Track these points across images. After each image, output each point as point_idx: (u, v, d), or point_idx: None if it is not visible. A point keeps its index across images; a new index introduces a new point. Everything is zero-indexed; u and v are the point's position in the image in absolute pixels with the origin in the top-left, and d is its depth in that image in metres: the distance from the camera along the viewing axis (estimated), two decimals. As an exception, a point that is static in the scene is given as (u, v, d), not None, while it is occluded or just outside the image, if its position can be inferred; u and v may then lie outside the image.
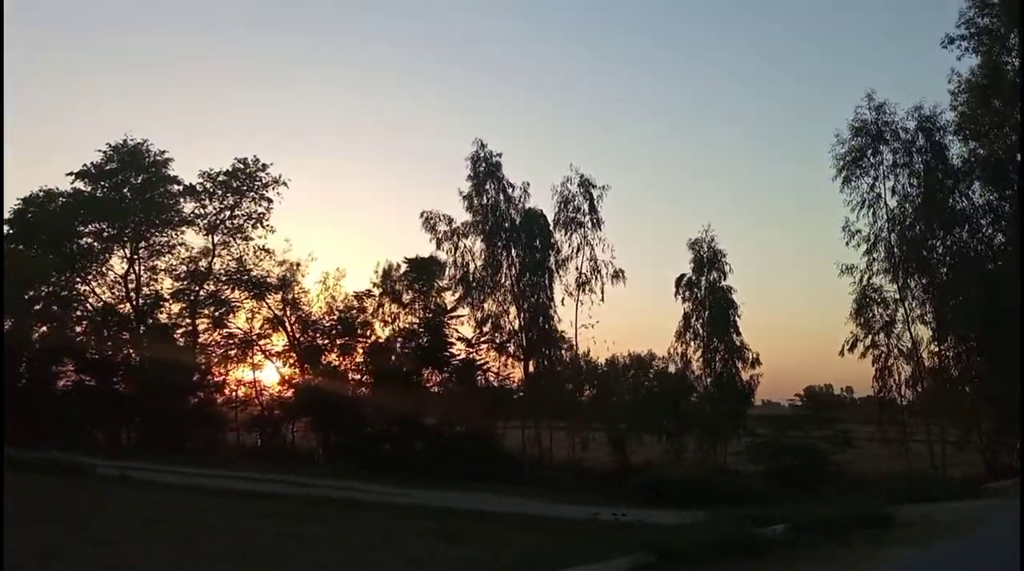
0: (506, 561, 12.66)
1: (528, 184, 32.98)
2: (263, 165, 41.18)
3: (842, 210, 29.30)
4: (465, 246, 32.64)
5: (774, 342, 76.05)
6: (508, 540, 16.42)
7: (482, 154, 32.67)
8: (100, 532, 12.39)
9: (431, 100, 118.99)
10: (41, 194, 42.80)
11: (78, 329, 41.79)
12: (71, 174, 43.01)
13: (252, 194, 42.13)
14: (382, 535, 15.62)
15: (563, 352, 32.52)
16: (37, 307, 40.89)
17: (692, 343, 31.42)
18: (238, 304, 38.95)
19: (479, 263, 33.41)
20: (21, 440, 31.94)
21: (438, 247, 33.11)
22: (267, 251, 40.63)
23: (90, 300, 42.60)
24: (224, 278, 39.63)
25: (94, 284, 43.05)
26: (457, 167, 33.29)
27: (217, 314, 38.78)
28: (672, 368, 31.84)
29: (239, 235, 41.81)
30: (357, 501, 21.39)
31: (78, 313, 42.33)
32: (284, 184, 40.96)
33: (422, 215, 32.93)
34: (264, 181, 41.78)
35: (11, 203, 42.26)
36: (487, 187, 32.49)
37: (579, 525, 19.38)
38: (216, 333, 40.02)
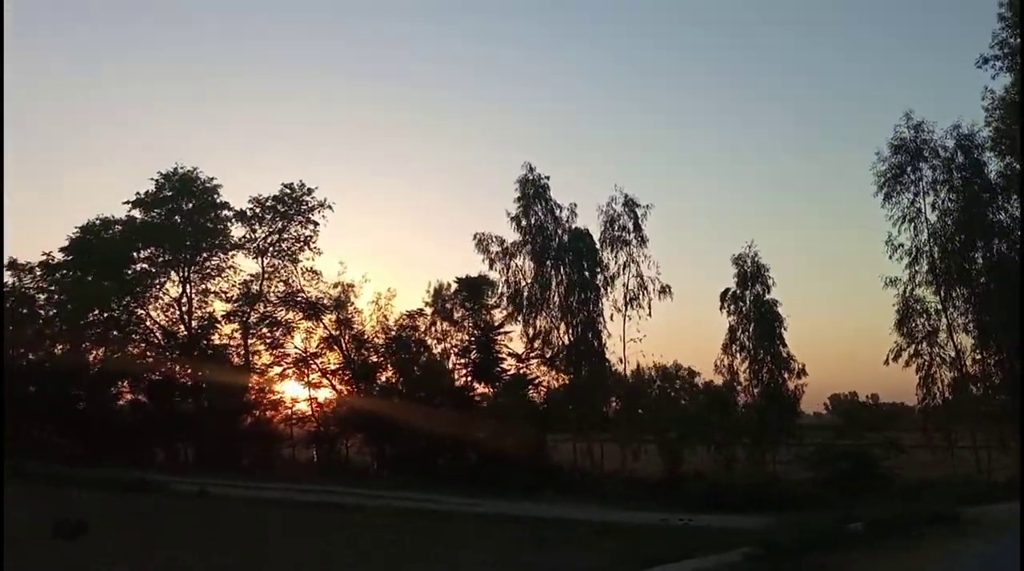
0: (627, 557, 13.96)
1: (575, 205, 34.37)
2: (308, 189, 42.62)
3: (877, 225, 30.47)
4: (516, 265, 33.92)
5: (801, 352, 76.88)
6: (596, 543, 17.62)
7: (531, 177, 34.10)
8: (292, 550, 13.75)
9: (479, 123, 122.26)
10: (98, 222, 44.55)
11: (135, 351, 43.36)
12: (127, 202, 44.85)
13: (299, 218, 43.70)
14: (482, 541, 16.86)
15: (611, 365, 33.62)
16: (97, 331, 42.57)
17: (738, 355, 32.50)
18: (294, 324, 40.26)
19: (528, 281, 34.74)
20: (82, 459, 33.53)
21: (491, 267, 34.48)
22: (315, 273, 42.10)
23: (146, 322, 44.18)
24: (278, 300, 41.00)
25: (149, 308, 44.64)
26: (502, 188, 34.92)
27: (275, 334, 40.12)
28: (720, 379, 32.89)
29: (287, 257, 43.36)
30: (437, 511, 22.56)
31: (135, 336, 43.90)
32: (329, 207, 42.32)
33: (475, 237, 34.36)
34: (310, 205, 43.25)
35: (69, 231, 44.07)
36: (536, 208, 33.82)
37: (653, 529, 20.54)
38: (271, 353, 41.40)
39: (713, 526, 20.46)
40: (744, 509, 24.58)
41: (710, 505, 25.88)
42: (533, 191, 33.81)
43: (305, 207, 43.40)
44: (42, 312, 44.50)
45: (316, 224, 42.78)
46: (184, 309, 43.79)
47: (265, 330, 41.27)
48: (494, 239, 34.16)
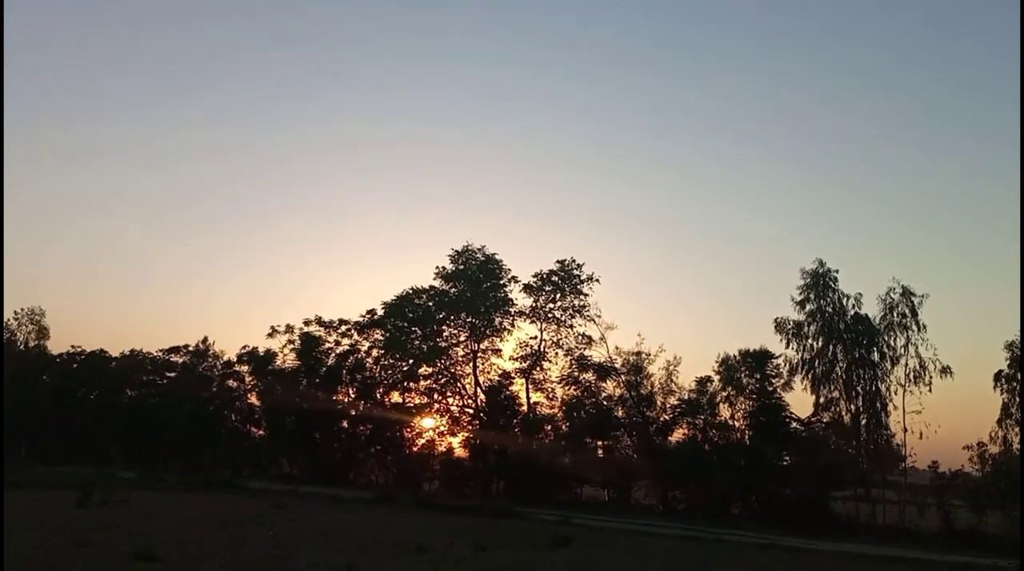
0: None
1: (861, 294, 40.96)
2: (578, 265, 51.43)
3: None
4: (808, 344, 40.66)
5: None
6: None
7: (821, 271, 41.05)
8: None
9: (760, 217, 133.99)
10: (411, 290, 55.48)
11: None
12: (436, 273, 55.41)
13: (569, 289, 52.52)
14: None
15: (893, 435, 39.37)
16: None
17: (1011, 429, 37.46)
18: (591, 385, 48.34)
19: (811, 356, 41.33)
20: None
21: (787, 346, 41.30)
22: (589, 338, 50.44)
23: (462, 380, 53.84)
24: (574, 362, 49.29)
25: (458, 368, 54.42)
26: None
27: (570, 392, 48.39)
28: (995, 449, 37.83)
29: (564, 325, 52.02)
30: (793, 547, 28.98)
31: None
32: (596, 281, 50.70)
33: (776, 321, 41.50)
34: (581, 277, 52.10)
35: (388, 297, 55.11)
36: (823, 295, 40.63)
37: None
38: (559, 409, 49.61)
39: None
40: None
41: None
42: (822, 282, 40.68)
43: (576, 280, 52.37)
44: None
45: (586, 295, 51.54)
46: (475, 367, 53.49)
47: (561, 387, 49.71)
48: (791, 323, 41.12)
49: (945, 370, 38.02)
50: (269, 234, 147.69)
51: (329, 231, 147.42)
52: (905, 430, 38.59)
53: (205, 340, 67.75)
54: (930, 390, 38.24)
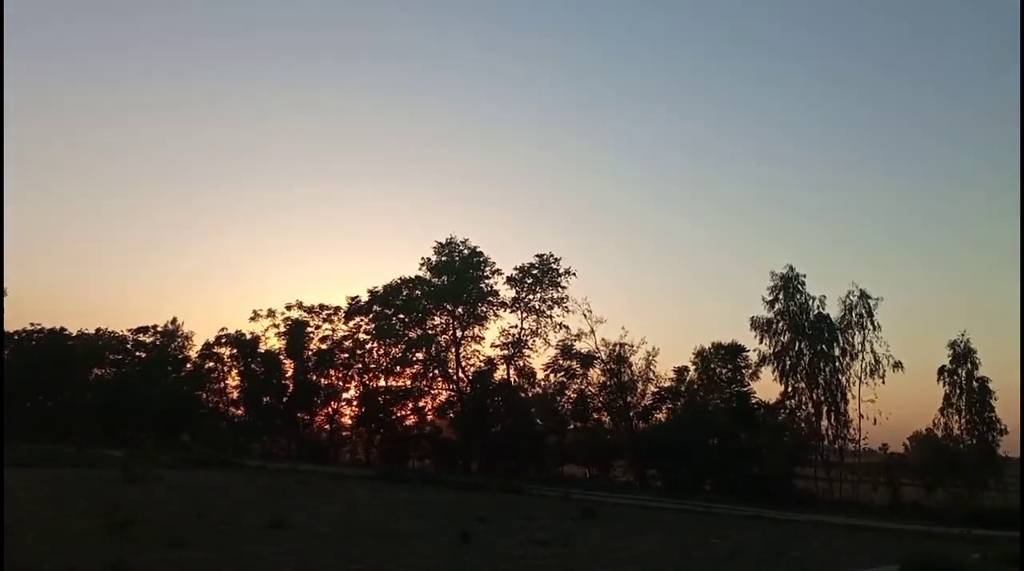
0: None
1: (824, 297, 45.80)
2: (556, 259, 54.97)
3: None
4: (777, 340, 45.27)
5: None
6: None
7: (790, 275, 45.71)
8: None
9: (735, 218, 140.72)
10: (400, 281, 57.98)
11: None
12: (421, 264, 58.01)
13: (548, 282, 56.01)
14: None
15: (849, 419, 44.39)
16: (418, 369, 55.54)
17: (951, 417, 42.93)
18: (576, 371, 51.96)
19: (779, 350, 45.99)
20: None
21: (760, 341, 45.86)
22: (566, 328, 54.07)
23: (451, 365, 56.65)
24: (562, 350, 52.71)
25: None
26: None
27: (558, 379, 51.97)
28: (939, 434, 43.31)
29: (543, 315, 55.50)
30: (774, 518, 33.28)
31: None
32: (572, 274, 54.31)
33: (751, 319, 46.05)
34: (559, 271, 55.65)
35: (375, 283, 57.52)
36: (794, 298, 45.29)
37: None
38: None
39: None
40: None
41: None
42: (792, 286, 45.35)
43: (554, 273, 55.88)
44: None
45: (564, 287, 55.12)
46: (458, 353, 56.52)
47: (550, 374, 53.16)
48: (764, 321, 45.65)
49: (897, 365, 43.24)
50: (226, 216, 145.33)
51: (289, 215, 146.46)
52: (861, 416, 43.73)
53: (174, 320, 68.36)
54: (883, 382, 43.38)
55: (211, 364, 62.91)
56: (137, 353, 67.04)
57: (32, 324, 67.89)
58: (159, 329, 67.74)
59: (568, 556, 15.87)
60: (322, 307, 61.50)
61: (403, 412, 55.07)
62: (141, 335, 67.55)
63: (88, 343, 67.63)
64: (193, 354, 65.34)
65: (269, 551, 13.70)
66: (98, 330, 68.48)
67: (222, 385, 62.84)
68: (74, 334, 68.19)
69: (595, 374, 51.03)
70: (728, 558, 17.34)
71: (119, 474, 28.24)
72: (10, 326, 68.46)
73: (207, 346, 63.04)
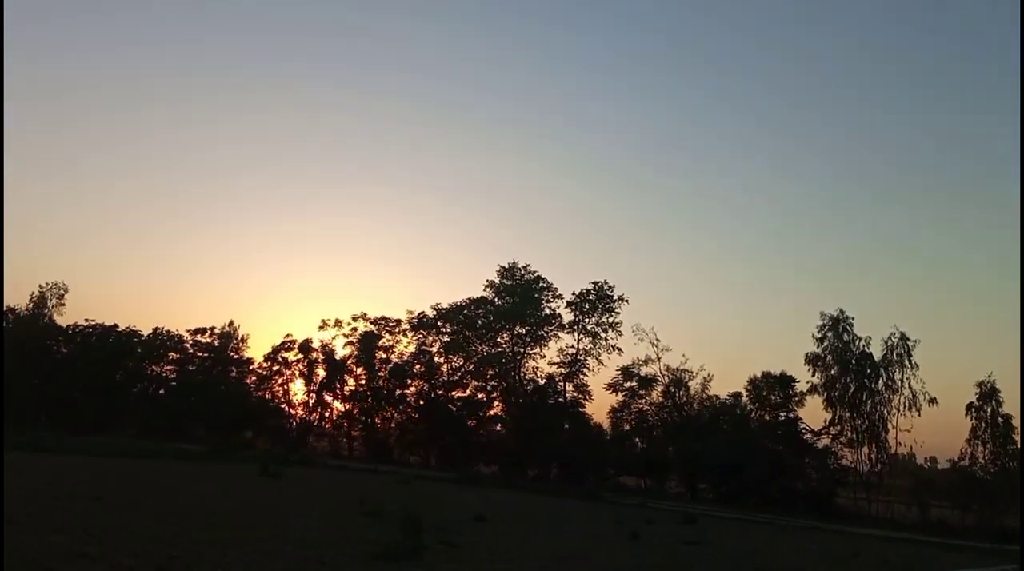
0: None
1: (870, 338, 51.72)
2: (611, 286, 60.54)
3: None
4: (827, 373, 51.11)
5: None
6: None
7: (840, 317, 51.64)
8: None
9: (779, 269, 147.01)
10: (469, 301, 62.89)
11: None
12: (485, 285, 63.12)
13: (602, 308, 61.53)
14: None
15: (889, 447, 50.24)
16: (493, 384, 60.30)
17: (977, 448, 48.98)
18: (637, 392, 57.12)
19: (823, 382, 51.83)
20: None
21: (813, 374, 51.59)
22: (619, 350, 59.49)
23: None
24: (620, 371, 57.91)
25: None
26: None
27: (623, 397, 57.14)
28: (965, 463, 49.31)
29: (599, 338, 60.85)
30: (831, 530, 38.55)
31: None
32: (625, 301, 59.91)
33: (806, 355, 51.69)
34: (613, 297, 61.22)
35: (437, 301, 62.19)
36: (841, 337, 51.20)
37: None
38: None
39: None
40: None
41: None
42: (840, 326, 51.30)
43: (608, 299, 61.42)
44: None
45: (617, 312, 60.66)
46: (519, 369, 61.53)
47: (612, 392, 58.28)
48: (814, 355, 51.49)
49: (932, 400, 49.33)
50: (276, 231, 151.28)
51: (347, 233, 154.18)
52: (898, 443, 49.70)
53: (231, 323, 71.80)
54: (919, 415, 49.38)
55: (278, 367, 66.66)
56: (198, 353, 70.23)
57: (87, 320, 70.42)
58: (216, 331, 71.07)
59: (720, 552, 20.04)
60: (384, 319, 65.91)
61: (472, 421, 59.61)
62: (199, 336, 70.80)
63: (147, 342, 70.55)
64: (249, 355, 69.15)
65: (508, 541, 17.65)
66: (156, 329, 71.22)
67: (286, 387, 66.61)
68: (123, 331, 70.31)
69: (656, 394, 56.35)
70: (842, 561, 21.53)
71: (257, 469, 32.23)
72: (65, 321, 71.04)
73: (275, 351, 66.80)
